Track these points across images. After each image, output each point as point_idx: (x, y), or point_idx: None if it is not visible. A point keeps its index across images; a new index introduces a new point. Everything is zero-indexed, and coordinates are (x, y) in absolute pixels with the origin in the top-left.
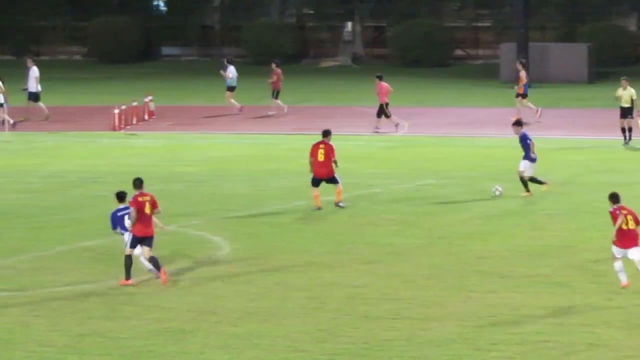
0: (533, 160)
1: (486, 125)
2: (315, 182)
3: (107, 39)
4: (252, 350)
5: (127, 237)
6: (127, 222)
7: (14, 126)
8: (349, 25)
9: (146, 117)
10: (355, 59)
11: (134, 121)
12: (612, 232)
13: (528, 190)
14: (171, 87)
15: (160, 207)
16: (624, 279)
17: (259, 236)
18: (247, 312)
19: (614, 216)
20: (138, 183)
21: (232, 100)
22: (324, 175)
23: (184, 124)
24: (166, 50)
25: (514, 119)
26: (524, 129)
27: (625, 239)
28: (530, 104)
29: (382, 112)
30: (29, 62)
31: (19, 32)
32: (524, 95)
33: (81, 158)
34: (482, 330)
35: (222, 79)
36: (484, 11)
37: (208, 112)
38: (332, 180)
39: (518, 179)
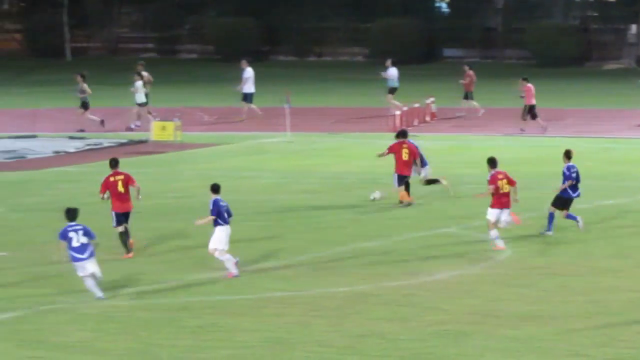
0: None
1: None
2: (401, 180)
3: (389, 40)
4: (532, 354)
5: (218, 231)
6: (225, 216)
7: (102, 124)
8: (634, 27)
9: (428, 118)
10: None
11: (415, 122)
12: (484, 192)
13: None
14: (453, 88)
15: (137, 183)
16: (501, 244)
17: (539, 239)
18: (527, 315)
19: (493, 181)
20: (113, 163)
21: (394, 102)
22: (409, 173)
23: (464, 125)
24: (448, 52)
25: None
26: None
27: (502, 200)
28: None
29: (530, 113)
30: (243, 63)
31: (301, 33)
32: None
33: (362, 159)
34: None
35: (383, 80)
36: None
37: (488, 114)
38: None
39: None
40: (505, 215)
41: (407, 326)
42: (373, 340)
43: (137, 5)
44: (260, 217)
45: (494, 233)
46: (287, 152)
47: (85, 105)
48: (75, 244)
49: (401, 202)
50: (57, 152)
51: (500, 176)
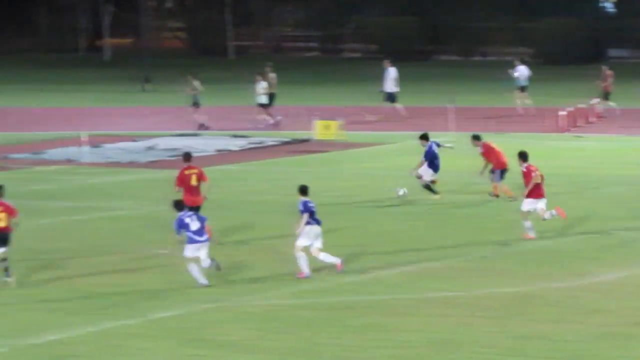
0: (435, 169)
1: None
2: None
3: (553, 40)
4: None
5: (307, 230)
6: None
7: (205, 128)
8: None
9: (593, 119)
10: None
11: (580, 123)
12: (526, 190)
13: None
14: (618, 89)
15: (208, 179)
16: (532, 234)
17: None
18: None
19: (527, 175)
20: (187, 157)
21: (525, 101)
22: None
23: (632, 127)
24: (613, 52)
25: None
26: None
27: (537, 191)
28: None
29: None
30: (386, 63)
31: (466, 33)
32: None
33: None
34: None
35: (512, 79)
36: None
37: None
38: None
39: None
40: (541, 204)
41: (572, 328)
42: (537, 342)
43: (301, 3)
44: (423, 217)
45: (529, 224)
46: (451, 152)
47: (196, 104)
48: (193, 227)
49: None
50: (220, 150)
51: (533, 167)
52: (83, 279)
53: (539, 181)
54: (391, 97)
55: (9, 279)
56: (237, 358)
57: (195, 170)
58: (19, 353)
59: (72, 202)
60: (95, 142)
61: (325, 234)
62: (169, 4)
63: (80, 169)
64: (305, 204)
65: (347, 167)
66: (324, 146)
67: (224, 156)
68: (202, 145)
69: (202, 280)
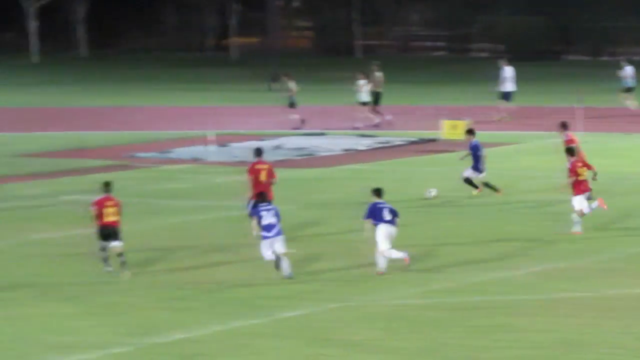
0: (479, 171)
1: None
2: None
3: None
4: None
5: (378, 230)
6: (386, 216)
7: (303, 123)
8: None
9: None
10: None
11: None
12: (567, 182)
13: (477, 187)
14: None
15: (277, 177)
16: (579, 228)
17: None
18: None
19: (571, 170)
20: (257, 152)
21: (629, 102)
22: None
23: None
24: None
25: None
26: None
27: (582, 186)
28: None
29: None
30: (502, 62)
31: (596, 32)
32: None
33: None
34: None
35: (619, 80)
36: None
37: None
38: None
39: None
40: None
41: None
42: None
43: (429, 3)
44: (548, 217)
45: (577, 217)
46: (557, 151)
47: (292, 105)
48: (264, 222)
49: None
50: (347, 149)
51: (579, 164)
52: (210, 278)
53: (580, 178)
54: (505, 96)
55: (124, 272)
56: (362, 358)
57: (266, 166)
58: (144, 352)
59: (198, 201)
60: (222, 141)
61: (453, 232)
62: (296, 3)
63: (207, 168)
64: (369, 206)
65: None
66: (451, 146)
67: (352, 155)
68: (329, 144)
69: (286, 272)
